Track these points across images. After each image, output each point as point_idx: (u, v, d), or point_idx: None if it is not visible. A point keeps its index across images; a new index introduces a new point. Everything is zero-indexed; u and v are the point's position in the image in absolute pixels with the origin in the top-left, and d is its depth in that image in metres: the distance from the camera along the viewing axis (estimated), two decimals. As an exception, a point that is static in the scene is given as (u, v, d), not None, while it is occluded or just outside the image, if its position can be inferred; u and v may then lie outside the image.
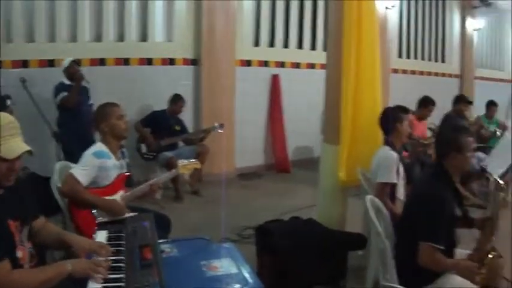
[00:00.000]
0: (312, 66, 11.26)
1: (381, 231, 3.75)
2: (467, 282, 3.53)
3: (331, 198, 5.96)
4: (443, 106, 8.99)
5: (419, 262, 3.49)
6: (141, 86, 8.72)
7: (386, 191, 4.79)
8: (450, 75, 15.39)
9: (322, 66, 6.41)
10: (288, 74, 10.81)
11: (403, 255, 3.68)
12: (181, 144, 8.51)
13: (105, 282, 2.56)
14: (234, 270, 3.23)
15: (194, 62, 9.38)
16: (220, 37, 9.34)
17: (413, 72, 14.05)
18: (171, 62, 9.19)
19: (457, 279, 3.57)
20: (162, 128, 8.21)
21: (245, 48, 10.11)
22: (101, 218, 3.67)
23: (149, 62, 8.91)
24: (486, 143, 8.71)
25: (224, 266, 3.28)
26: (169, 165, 7.31)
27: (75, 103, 7.02)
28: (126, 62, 8.63)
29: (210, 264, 3.28)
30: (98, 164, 4.31)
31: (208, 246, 3.69)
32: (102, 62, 8.34)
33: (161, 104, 8.44)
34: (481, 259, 3.69)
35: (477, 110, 10.51)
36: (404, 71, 13.73)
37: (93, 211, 4.18)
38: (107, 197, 4.35)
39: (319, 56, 9.45)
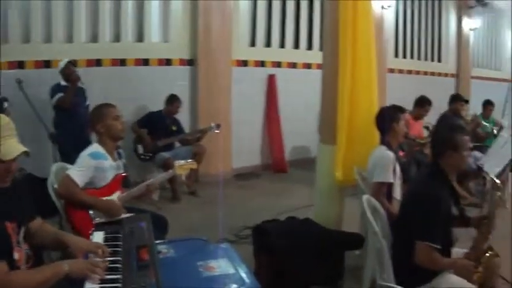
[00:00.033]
0: (308, 66, 11.27)
1: (378, 231, 3.75)
2: (464, 281, 3.54)
3: (328, 198, 5.96)
4: (439, 105, 9.01)
5: (416, 261, 3.49)
6: (137, 87, 8.71)
7: (383, 190, 4.79)
8: (446, 75, 15.42)
9: (319, 66, 6.42)
10: (284, 74, 10.81)
11: (400, 254, 3.68)
12: (177, 144, 8.52)
13: (102, 283, 2.56)
14: (231, 270, 3.22)
15: (190, 62, 9.38)
16: (216, 37, 9.34)
17: (409, 72, 14.08)
18: (168, 62, 9.19)
19: (453, 278, 3.58)
20: (158, 129, 8.21)
21: (241, 48, 10.12)
22: (98, 219, 3.67)
23: (145, 62, 8.91)
24: (483, 142, 8.72)
25: (221, 266, 3.28)
26: (166, 165, 7.31)
27: (71, 104, 7.03)
28: (122, 62, 8.63)
29: (207, 265, 3.27)
30: (94, 165, 4.31)
31: (205, 246, 3.68)
32: (98, 62, 8.34)
33: (158, 104, 8.44)
34: (478, 258, 3.69)
35: (473, 110, 10.51)
36: (401, 71, 13.75)
37: (90, 212, 4.20)
38: (103, 198, 4.36)
39: (316, 56, 9.45)
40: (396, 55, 13.76)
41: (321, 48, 6.40)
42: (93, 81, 7.72)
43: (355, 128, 5.70)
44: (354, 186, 5.60)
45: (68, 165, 4.57)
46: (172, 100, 8.43)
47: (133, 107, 8.55)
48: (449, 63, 15.53)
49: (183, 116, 8.85)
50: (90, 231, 3.23)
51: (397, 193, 4.90)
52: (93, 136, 4.80)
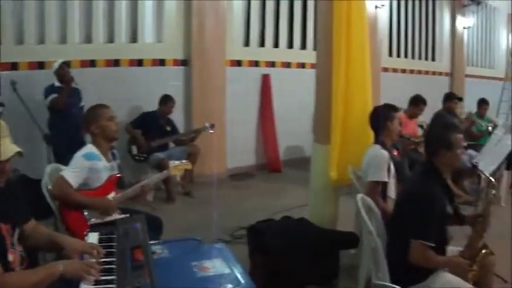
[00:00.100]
0: (302, 65, 11.28)
1: (373, 230, 3.76)
2: (459, 279, 3.55)
3: (322, 197, 5.96)
4: (434, 104, 9.02)
5: (411, 260, 3.50)
6: (131, 87, 8.70)
7: (378, 189, 4.79)
8: (441, 74, 15.47)
9: (313, 66, 6.43)
10: (278, 73, 10.82)
11: (395, 253, 3.69)
12: (172, 145, 8.51)
13: (96, 284, 2.56)
14: (225, 270, 3.22)
15: (184, 62, 9.38)
16: (210, 37, 9.34)
17: (403, 71, 14.12)
18: (162, 62, 9.18)
19: (448, 277, 3.59)
20: (152, 129, 8.19)
21: (235, 48, 10.12)
22: (93, 220, 3.67)
23: (139, 63, 8.90)
24: (477, 141, 8.73)
25: (216, 266, 3.27)
26: (161, 166, 7.31)
27: (65, 105, 7.02)
28: (116, 63, 8.62)
29: (202, 265, 3.27)
30: (88, 165, 4.31)
31: (199, 247, 3.68)
32: (92, 63, 8.33)
33: (152, 105, 8.42)
34: (473, 256, 3.71)
35: (468, 108, 10.52)
36: (395, 70, 13.78)
37: (85, 213, 4.19)
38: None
39: (310, 56, 9.45)
40: (390, 54, 13.79)
41: (315, 48, 6.38)
42: (87, 82, 7.70)
43: (349, 128, 5.70)
44: (349, 185, 5.60)
45: (62, 166, 4.56)
46: (166, 100, 8.42)
47: (127, 108, 8.54)
48: (443, 62, 15.57)
49: (177, 116, 8.85)
50: (85, 232, 3.22)
51: (392, 192, 4.90)
52: (88, 137, 4.78)
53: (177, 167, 4.88)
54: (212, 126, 8.05)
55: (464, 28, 15.87)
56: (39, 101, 7.01)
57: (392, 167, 4.92)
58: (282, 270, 4.71)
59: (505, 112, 14.64)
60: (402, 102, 7.73)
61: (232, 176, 9.86)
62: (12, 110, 6.01)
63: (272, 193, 8.74)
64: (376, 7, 12.01)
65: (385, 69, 13.07)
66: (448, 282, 3.54)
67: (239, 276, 3.15)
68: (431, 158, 3.79)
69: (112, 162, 4.63)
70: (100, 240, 3.07)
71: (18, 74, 7.09)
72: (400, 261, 3.54)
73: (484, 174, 4.39)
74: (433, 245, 3.46)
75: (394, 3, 13.68)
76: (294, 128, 10.80)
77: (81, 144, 4.77)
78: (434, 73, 15.20)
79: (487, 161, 5.50)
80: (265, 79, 10.61)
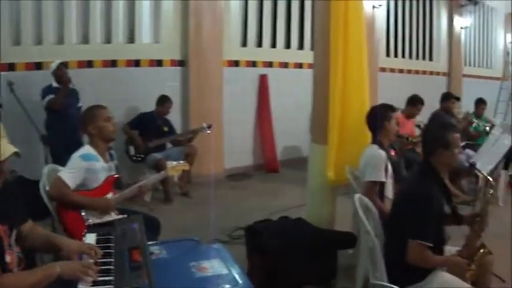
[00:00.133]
0: (299, 65, 11.28)
1: (370, 230, 3.76)
2: (456, 279, 3.55)
3: (320, 197, 5.96)
4: (431, 104, 9.03)
5: (408, 260, 3.50)
6: (128, 88, 8.70)
7: (375, 189, 4.79)
8: (438, 74, 15.46)
9: (310, 66, 6.41)
10: (275, 73, 10.81)
11: (393, 253, 3.69)
12: (169, 145, 8.50)
13: (94, 285, 2.56)
14: (223, 271, 3.22)
15: (182, 63, 9.38)
16: (207, 37, 9.34)
17: (401, 71, 14.11)
18: (159, 63, 9.18)
19: (446, 276, 3.59)
20: (150, 130, 8.19)
21: (233, 48, 10.11)
22: (90, 220, 3.66)
23: (137, 63, 8.90)
24: (475, 141, 8.74)
25: (214, 266, 3.27)
26: (158, 166, 7.31)
27: (63, 105, 7.02)
28: (113, 63, 8.61)
29: (200, 265, 3.26)
30: (85, 166, 4.31)
31: (197, 247, 3.67)
32: (89, 64, 8.32)
33: (149, 105, 8.42)
34: (471, 255, 3.71)
35: (465, 108, 10.55)
36: (392, 70, 13.78)
37: (82, 213, 4.19)
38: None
39: (307, 56, 9.43)
40: (388, 54, 13.78)
41: (312, 48, 6.37)
42: (84, 82, 7.70)
43: (346, 128, 5.70)
44: (346, 185, 5.60)
45: (60, 167, 4.56)
46: (163, 101, 8.41)
47: (124, 108, 8.53)
48: (440, 62, 15.57)
49: (174, 117, 8.84)
50: (82, 233, 3.22)
51: (389, 192, 4.90)
52: (85, 138, 4.78)
53: (174, 167, 4.88)
54: (209, 127, 8.06)
55: (461, 28, 15.88)
56: (37, 102, 7.01)
57: (389, 167, 4.91)
58: (280, 270, 4.72)
59: (502, 112, 14.67)
60: (400, 102, 7.74)
61: (229, 177, 9.86)
62: (10, 111, 6.01)
63: (269, 193, 8.75)
64: (373, 7, 12.01)
65: (383, 69, 13.08)
66: (446, 281, 3.55)
67: (237, 276, 3.14)
68: (428, 158, 3.79)
69: (109, 163, 4.63)
70: (98, 241, 3.07)
71: (15, 75, 7.07)
72: (398, 261, 3.55)
73: (482, 173, 4.39)
74: (430, 245, 3.46)
75: (392, 3, 13.68)
76: (291, 128, 10.79)
77: (79, 145, 4.78)
78: (431, 73, 15.19)
79: (485, 161, 5.51)
80: (263, 79, 10.61)
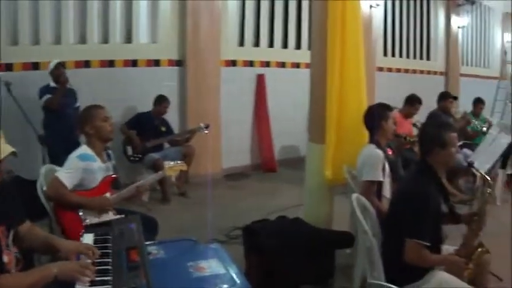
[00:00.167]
0: (297, 65, 11.28)
1: (368, 230, 3.76)
2: (454, 278, 3.55)
3: (317, 197, 5.96)
4: (428, 104, 9.03)
5: (406, 259, 3.50)
6: (126, 88, 8.69)
7: (373, 189, 4.78)
8: (435, 73, 15.49)
9: (307, 66, 6.41)
10: (273, 73, 10.82)
11: (390, 252, 3.69)
12: (166, 145, 8.50)
13: (92, 285, 2.55)
14: (221, 270, 3.22)
15: (179, 63, 9.37)
16: (205, 37, 9.33)
17: (398, 70, 14.13)
18: (156, 63, 9.17)
19: (444, 275, 3.60)
20: (147, 130, 8.18)
21: (230, 48, 10.11)
22: (88, 220, 3.66)
23: (134, 63, 8.89)
24: (473, 140, 8.75)
25: (211, 266, 3.27)
26: (156, 166, 7.30)
27: (60, 105, 7.02)
28: (110, 63, 8.61)
29: (197, 265, 3.26)
30: (82, 166, 4.31)
31: (195, 247, 3.67)
32: (86, 64, 8.31)
33: (146, 105, 8.41)
34: (469, 254, 3.71)
35: (463, 108, 10.55)
36: (390, 69, 13.80)
37: (80, 213, 4.19)
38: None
39: (304, 55, 9.44)
40: (385, 54, 13.79)
41: (310, 48, 6.38)
42: (82, 82, 7.69)
43: (344, 127, 5.71)
44: (344, 185, 5.60)
45: (57, 167, 4.55)
46: (161, 100, 8.41)
47: (122, 108, 8.53)
48: (438, 61, 15.60)
49: (172, 117, 8.84)
50: (80, 233, 3.22)
51: (387, 191, 4.90)
52: (82, 138, 4.78)
53: (172, 167, 4.88)
54: (207, 127, 8.05)
55: (458, 27, 15.90)
56: (34, 102, 6.99)
57: (387, 166, 4.92)
58: (278, 270, 4.72)
59: (500, 111, 14.67)
60: (397, 102, 7.75)
61: (227, 176, 9.86)
62: (7, 111, 5.99)
63: (267, 193, 8.75)
64: (370, 7, 12.02)
65: (380, 69, 13.09)
66: (444, 280, 3.55)
67: (235, 276, 3.14)
68: (425, 157, 3.80)
69: (107, 163, 4.62)
70: (95, 241, 3.06)
71: (12, 75, 7.05)
72: (395, 261, 3.55)
73: (480, 172, 4.40)
74: (428, 244, 3.46)
75: (389, 3, 13.71)
76: (288, 127, 10.81)
77: (76, 145, 4.76)
78: (429, 72, 15.22)
79: (482, 160, 5.52)
80: (260, 79, 10.62)
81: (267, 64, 10.87)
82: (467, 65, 17.02)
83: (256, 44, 10.89)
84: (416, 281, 3.61)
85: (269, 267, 4.72)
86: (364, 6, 11.06)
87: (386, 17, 13.69)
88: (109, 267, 2.70)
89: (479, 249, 3.78)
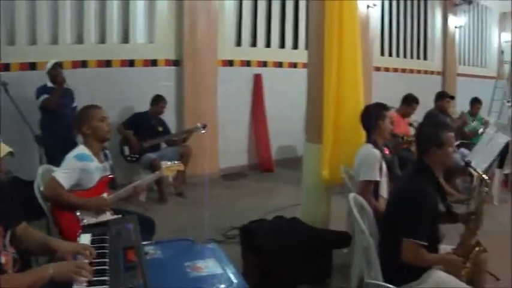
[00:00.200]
0: (294, 65, 11.28)
1: (365, 229, 3.76)
2: (452, 277, 3.55)
3: (314, 196, 5.96)
4: (425, 103, 9.03)
5: (403, 259, 3.50)
6: (123, 88, 8.69)
7: (370, 188, 4.79)
8: (432, 73, 15.49)
9: (305, 65, 6.41)
10: (270, 73, 10.82)
11: (387, 252, 3.69)
12: (163, 145, 8.50)
13: (89, 285, 2.55)
14: (218, 270, 3.21)
15: (176, 63, 9.37)
16: (202, 37, 9.34)
17: (395, 70, 14.14)
18: (153, 63, 9.17)
19: (441, 274, 3.60)
20: (144, 130, 8.18)
21: (227, 48, 10.12)
22: (85, 221, 3.66)
23: (131, 63, 8.89)
24: (470, 140, 8.76)
25: (208, 266, 3.26)
26: (153, 167, 7.30)
27: (57, 105, 7.02)
28: (108, 63, 8.60)
29: (195, 265, 3.26)
30: (79, 166, 4.30)
31: (192, 247, 3.67)
32: (83, 64, 8.30)
33: (144, 105, 8.41)
34: (466, 253, 3.72)
35: (460, 107, 10.57)
36: (387, 69, 13.80)
37: (77, 213, 4.18)
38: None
39: (301, 55, 9.41)
40: (382, 53, 13.81)
41: (307, 48, 6.39)
42: (79, 82, 7.69)
43: (341, 127, 5.71)
44: (341, 184, 5.61)
45: (54, 168, 4.54)
46: (158, 100, 8.41)
47: (119, 108, 8.52)
48: (435, 61, 15.61)
49: (169, 117, 8.84)
50: (77, 233, 3.22)
51: (384, 191, 4.90)
52: (79, 138, 4.78)
53: (169, 167, 4.87)
54: (204, 127, 8.04)
55: (456, 27, 15.90)
56: (31, 102, 6.98)
57: (384, 165, 4.92)
58: (275, 270, 4.72)
59: (497, 111, 14.67)
60: (394, 102, 7.75)
61: (224, 176, 9.86)
62: (4, 111, 6.00)
63: (264, 193, 8.75)
64: (368, 6, 12.04)
65: (377, 69, 13.11)
66: (441, 280, 3.55)
67: (232, 276, 3.14)
68: (422, 157, 3.80)
69: (104, 163, 4.62)
70: (92, 241, 3.06)
71: (9, 75, 7.02)
72: (393, 260, 3.55)
73: (477, 172, 4.40)
74: (425, 243, 3.47)
75: (386, 3, 13.70)
76: (286, 127, 10.80)
77: (73, 145, 4.76)
78: (426, 72, 15.22)
79: (480, 159, 5.54)
80: (257, 79, 10.61)
81: (264, 64, 10.87)
82: (464, 64, 17.04)
83: (253, 43, 10.89)
84: (413, 281, 3.61)
85: (266, 267, 4.72)
86: (361, 6, 11.08)
87: (384, 17, 13.70)
88: (106, 267, 2.70)
89: (477, 249, 3.78)
